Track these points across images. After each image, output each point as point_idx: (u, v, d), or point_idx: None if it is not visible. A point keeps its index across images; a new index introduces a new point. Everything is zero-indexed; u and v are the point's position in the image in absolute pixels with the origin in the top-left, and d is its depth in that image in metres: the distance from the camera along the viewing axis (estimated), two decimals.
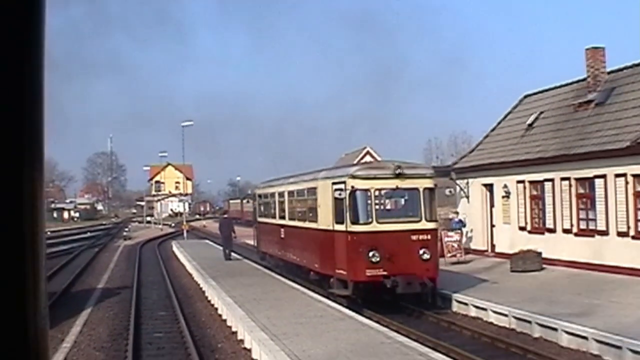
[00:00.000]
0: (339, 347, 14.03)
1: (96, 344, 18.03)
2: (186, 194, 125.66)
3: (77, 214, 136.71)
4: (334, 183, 21.97)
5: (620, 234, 24.42)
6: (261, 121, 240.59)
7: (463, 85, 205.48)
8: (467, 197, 34.84)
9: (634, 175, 23.39)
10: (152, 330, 19.71)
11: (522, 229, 30.35)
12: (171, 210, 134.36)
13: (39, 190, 1.17)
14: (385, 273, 20.37)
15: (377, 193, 21.10)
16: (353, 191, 20.97)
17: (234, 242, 39.53)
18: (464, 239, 33.64)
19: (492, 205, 33.19)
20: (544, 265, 26.94)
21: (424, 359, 13.07)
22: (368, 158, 60.66)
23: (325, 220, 22.81)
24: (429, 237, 21.03)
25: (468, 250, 33.27)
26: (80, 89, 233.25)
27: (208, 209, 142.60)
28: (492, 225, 33.24)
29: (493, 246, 32.97)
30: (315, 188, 24.17)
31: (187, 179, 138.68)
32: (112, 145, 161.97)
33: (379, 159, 59.98)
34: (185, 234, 64.45)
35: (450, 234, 31.44)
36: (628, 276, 23.06)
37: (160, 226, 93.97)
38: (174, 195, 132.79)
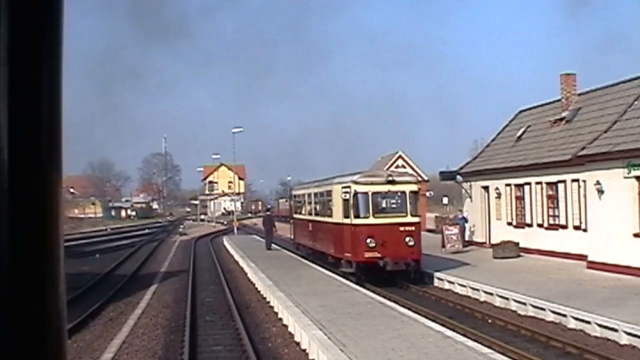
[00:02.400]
0: (331, 302, 20.74)
1: (163, 304, 24.91)
2: (238, 194, 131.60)
3: (133, 213, 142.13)
4: (342, 187, 28.61)
5: (576, 228, 30.54)
6: (312, 129, 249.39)
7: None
8: (470, 197, 41.06)
9: (584, 181, 29.40)
10: (205, 297, 26.56)
11: (509, 224, 36.55)
12: (224, 208, 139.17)
13: (57, 191, 1.17)
14: (379, 255, 26.92)
15: (373, 195, 27.62)
16: (355, 193, 27.59)
17: (275, 236, 46.40)
18: (467, 233, 39.97)
19: (488, 204, 39.35)
20: (522, 254, 33.06)
21: (385, 307, 19.63)
22: (400, 161, 66.62)
23: (337, 215, 29.49)
24: (413, 228, 27.52)
25: (470, 242, 39.54)
26: (144, 101, 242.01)
27: (260, 207, 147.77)
28: (489, 221, 39.39)
29: (490, 238, 39.06)
30: (331, 190, 30.88)
31: (240, 178, 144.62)
32: (167, 145, 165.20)
33: (409, 161, 66.52)
34: (235, 230, 71.17)
35: (450, 228, 37.71)
36: (579, 261, 28.96)
37: (213, 224, 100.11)
38: (226, 195, 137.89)
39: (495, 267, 29.44)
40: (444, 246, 36.13)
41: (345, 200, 28.18)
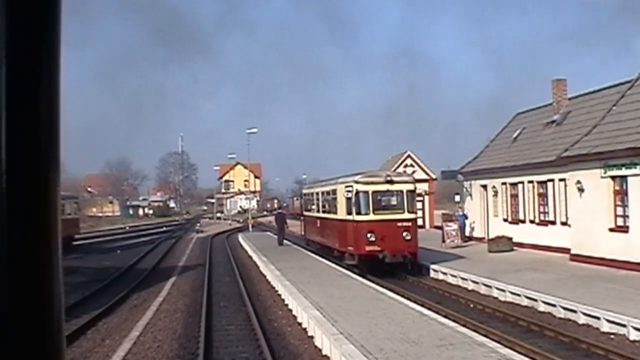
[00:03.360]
0: (330, 288, 23.32)
1: (182, 293, 27.54)
2: (254, 192, 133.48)
3: (151, 211, 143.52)
4: (345, 186, 31.17)
5: (563, 224, 32.92)
6: (327, 129, 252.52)
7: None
8: (470, 195, 43.51)
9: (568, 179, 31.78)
10: (220, 287, 29.17)
11: (505, 220, 39.00)
12: (240, 207, 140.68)
13: (56, 191, 1.17)
14: (379, 248, 29.46)
15: (373, 193, 30.16)
16: (357, 192, 30.18)
17: (288, 232, 49.03)
18: (468, 229, 42.44)
19: (487, 202, 41.77)
20: (515, 248, 35.46)
21: (376, 292, 22.17)
22: (409, 160, 68.98)
23: (341, 212, 32.09)
24: (410, 224, 30.05)
25: (471, 238, 42.00)
26: (162, 102, 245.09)
27: (275, 205, 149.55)
28: (487, 218, 41.82)
29: (488, 234, 41.44)
30: (335, 190, 33.46)
31: (256, 177, 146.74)
32: (184, 144, 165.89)
33: (417, 160, 68.92)
34: (250, 228, 73.55)
35: (449, 224, 40.12)
36: (565, 254, 31.30)
37: (229, 222, 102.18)
38: (242, 193, 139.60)
39: (488, 260, 31.83)
40: (444, 241, 38.49)
41: (348, 199, 30.75)
